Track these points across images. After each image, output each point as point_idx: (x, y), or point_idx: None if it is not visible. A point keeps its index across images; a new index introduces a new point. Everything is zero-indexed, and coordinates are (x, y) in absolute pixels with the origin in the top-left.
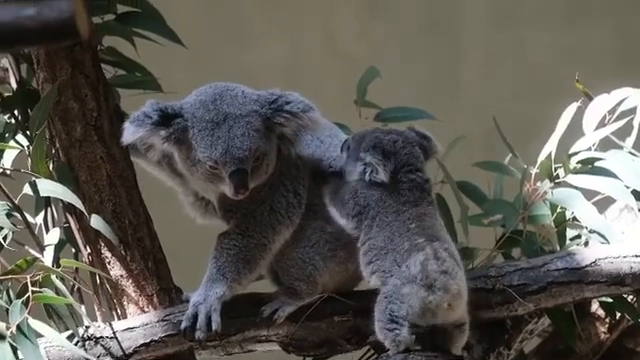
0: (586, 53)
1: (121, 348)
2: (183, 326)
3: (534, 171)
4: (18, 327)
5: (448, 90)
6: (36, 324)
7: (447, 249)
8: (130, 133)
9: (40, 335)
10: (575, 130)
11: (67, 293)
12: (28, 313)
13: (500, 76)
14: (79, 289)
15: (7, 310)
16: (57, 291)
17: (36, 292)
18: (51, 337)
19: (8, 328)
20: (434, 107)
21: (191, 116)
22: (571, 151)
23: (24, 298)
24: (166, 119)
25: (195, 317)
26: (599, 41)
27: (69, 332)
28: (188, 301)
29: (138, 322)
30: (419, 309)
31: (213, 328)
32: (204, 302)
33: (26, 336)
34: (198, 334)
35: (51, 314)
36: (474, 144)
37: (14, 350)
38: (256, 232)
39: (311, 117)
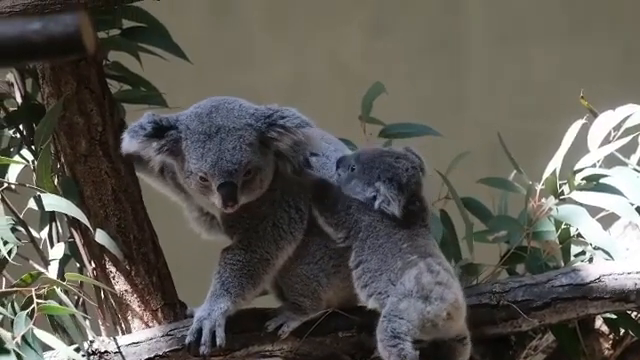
0: (589, 70)
1: None
2: (187, 341)
3: (539, 187)
4: (23, 338)
5: (452, 107)
6: (41, 334)
7: (440, 263)
8: (125, 143)
9: (45, 346)
10: (580, 147)
11: (72, 306)
12: (33, 325)
13: (503, 93)
14: (83, 304)
15: (12, 322)
16: (62, 304)
17: (41, 304)
18: (56, 348)
19: (14, 338)
20: (438, 124)
21: (185, 128)
22: (576, 168)
23: (29, 310)
24: (160, 131)
25: (199, 332)
26: (602, 57)
27: (74, 346)
28: (192, 316)
29: (142, 337)
30: (418, 322)
31: (217, 343)
32: (208, 317)
33: (31, 347)
34: (202, 349)
35: (56, 327)
36: (477, 161)
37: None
38: (259, 247)
39: (306, 133)
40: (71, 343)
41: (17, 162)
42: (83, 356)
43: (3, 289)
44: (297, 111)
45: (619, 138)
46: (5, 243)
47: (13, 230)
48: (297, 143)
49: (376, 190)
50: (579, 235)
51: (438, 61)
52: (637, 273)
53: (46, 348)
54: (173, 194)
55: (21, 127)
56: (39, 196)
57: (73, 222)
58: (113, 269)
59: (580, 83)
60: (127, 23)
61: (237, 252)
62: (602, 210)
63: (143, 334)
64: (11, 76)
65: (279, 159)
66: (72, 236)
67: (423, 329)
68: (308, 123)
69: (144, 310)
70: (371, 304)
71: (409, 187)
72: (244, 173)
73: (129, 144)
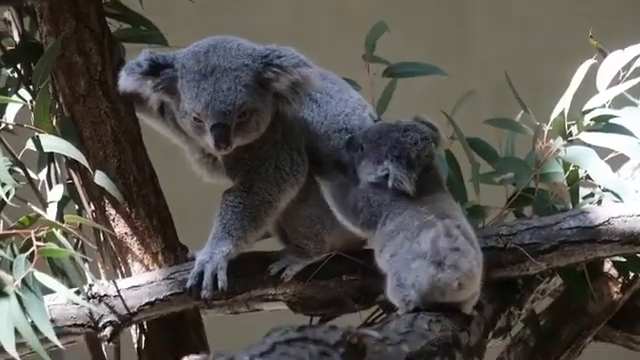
0: (597, 7)
1: (125, 307)
2: (189, 284)
3: (547, 128)
4: (23, 281)
5: (455, 47)
6: (42, 277)
7: (459, 226)
8: (122, 81)
9: (45, 290)
10: (589, 87)
11: (71, 248)
12: (33, 268)
13: (507, 33)
14: (83, 247)
15: (11, 265)
16: (61, 246)
17: (40, 247)
18: (57, 291)
19: (14, 281)
20: (440, 65)
21: (181, 66)
22: (584, 108)
23: (28, 253)
24: (157, 68)
25: (201, 275)
26: None
27: (74, 289)
28: (194, 259)
29: (143, 280)
30: (427, 286)
31: (219, 286)
32: (210, 260)
33: (31, 290)
34: (204, 293)
35: (56, 271)
36: (481, 102)
37: (20, 302)
38: (261, 189)
39: (303, 72)
40: (71, 286)
41: (15, 102)
42: (83, 299)
43: (1, 231)
44: (295, 50)
45: (629, 78)
46: (3, 185)
47: (11, 171)
48: (295, 83)
49: (385, 169)
50: (588, 177)
51: (441, 1)
52: None
53: (46, 292)
54: (174, 136)
55: (19, 66)
56: (37, 137)
57: (72, 163)
58: (113, 211)
59: (589, 21)
60: None
61: (239, 194)
62: (611, 151)
63: (143, 277)
64: (8, 14)
65: (279, 100)
66: (71, 178)
67: (431, 293)
68: (306, 63)
69: (144, 253)
70: (386, 267)
71: (420, 161)
72: (238, 114)
73: (125, 82)
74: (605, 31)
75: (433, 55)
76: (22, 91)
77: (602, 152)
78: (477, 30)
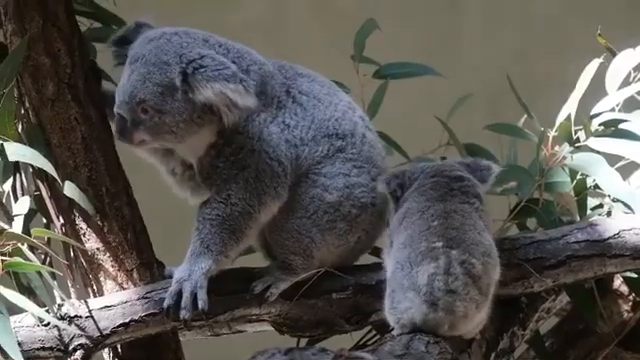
0: (595, 3)
1: (98, 328)
2: (166, 304)
3: (552, 134)
4: None
5: (446, 46)
6: (8, 293)
7: (464, 262)
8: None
9: (11, 305)
10: (596, 89)
11: (39, 264)
12: None
13: (503, 31)
14: (51, 263)
15: None
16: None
17: (6, 261)
18: (24, 309)
19: None
20: (431, 65)
21: (132, 47)
22: (592, 112)
23: None
24: (125, 42)
25: (179, 295)
26: None
27: (43, 309)
28: (171, 277)
29: (116, 300)
30: (419, 321)
31: (199, 306)
32: (189, 278)
33: None
34: (183, 313)
35: (22, 290)
36: (474, 104)
37: None
38: (240, 199)
39: (218, 88)
40: (39, 306)
41: None
42: (53, 318)
43: None
44: (226, 62)
45: None
46: None
47: None
48: (214, 98)
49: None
50: (596, 186)
51: None
52: None
53: (12, 312)
54: (150, 154)
55: None
56: (1, 145)
57: (39, 173)
58: (83, 225)
59: (587, 18)
60: None
61: (216, 206)
62: (621, 158)
63: (117, 297)
64: None
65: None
66: (38, 189)
67: (423, 327)
68: (230, 77)
69: (118, 270)
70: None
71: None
72: (140, 110)
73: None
74: (606, 28)
75: (423, 55)
76: None
77: (611, 159)
78: (470, 28)
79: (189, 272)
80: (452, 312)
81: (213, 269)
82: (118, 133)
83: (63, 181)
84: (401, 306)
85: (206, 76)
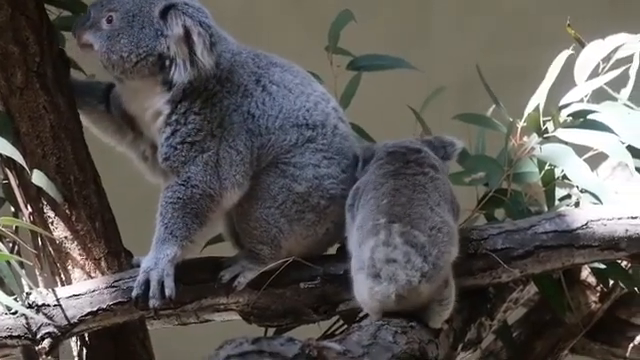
0: None
1: (65, 317)
2: (134, 294)
3: (520, 124)
4: None
5: (418, 39)
6: None
7: (405, 233)
8: None
9: None
10: (565, 80)
11: (7, 252)
12: None
13: (474, 23)
14: (19, 252)
15: None
16: None
17: None
18: None
19: None
20: (403, 57)
21: None
22: (561, 103)
23: None
24: None
25: (147, 284)
26: None
27: (11, 297)
28: (139, 266)
29: (84, 288)
30: (367, 299)
31: (167, 294)
32: (155, 267)
33: None
34: (152, 302)
35: None
36: (446, 97)
37: None
38: (199, 182)
39: (190, 25)
40: (8, 294)
41: None
42: (21, 307)
43: None
44: (208, 14)
45: (609, 70)
46: None
47: None
48: (184, 37)
49: None
50: (564, 177)
51: None
52: (628, 218)
53: None
54: (117, 137)
55: None
56: None
57: (7, 162)
58: (51, 213)
59: (558, 11)
60: None
61: (177, 189)
62: (590, 149)
63: (84, 285)
64: None
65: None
66: (6, 177)
67: (373, 306)
68: (204, 24)
69: (86, 259)
70: None
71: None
72: (106, 18)
73: None
74: (577, 20)
75: (394, 47)
76: None
77: (580, 150)
78: (441, 20)
79: (155, 260)
80: (395, 281)
81: (179, 255)
82: (75, 26)
83: (31, 169)
84: (355, 292)
85: (185, 11)
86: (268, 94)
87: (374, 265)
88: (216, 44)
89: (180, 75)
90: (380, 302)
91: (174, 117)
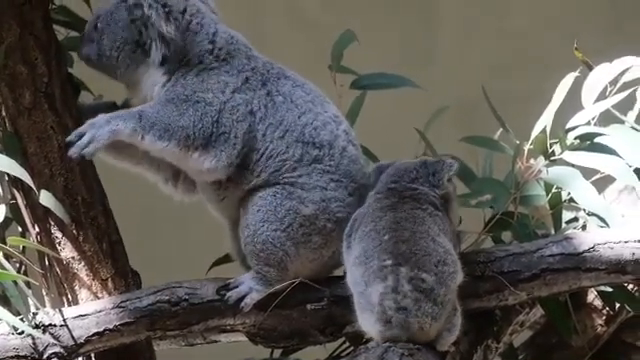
0: (572, 18)
1: (72, 337)
2: (68, 139)
3: (527, 147)
4: None
5: (420, 60)
6: None
7: (413, 279)
8: None
9: None
10: (572, 102)
11: (14, 272)
12: None
13: (478, 44)
14: (26, 272)
15: None
16: (4, 270)
17: None
18: (1, 317)
19: None
20: (405, 76)
21: None
22: (568, 126)
23: None
24: None
25: (82, 136)
26: (586, 3)
27: (18, 317)
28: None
29: (91, 309)
30: (376, 337)
31: (85, 151)
32: (98, 128)
33: None
34: (72, 151)
35: None
36: (448, 119)
37: None
38: (180, 128)
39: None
40: (15, 314)
41: None
42: (28, 327)
43: None
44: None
45: (616, 93)
46: None
47: None
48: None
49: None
50: (571, 200)
51: (405, 10)
52: (635, 242)
53: None
54: (132, 161)
55: None
56: None
57: (15, 182)
58: (59, 234)
59: (563, 33)
60: None
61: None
62: (597, 172)
63: (91, 306)
64: None
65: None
66: (14, 197)
67: (382, 341)
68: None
69: (93, 279)
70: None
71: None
72: (94, 27)
73: None
74: (582, 42)
75: (397, 67)
76: None
77: (587, 173)
78: (445, 41)
79: (106, 121)
80: (407, 328)
81: (123, 134)
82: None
83: (39, 190)
84: (362, 324)
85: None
86: (272, 101)
87: (384, 312)
88: (172, 12)
89: (156, 52)
90: (390, 341)
91: (170, 82)
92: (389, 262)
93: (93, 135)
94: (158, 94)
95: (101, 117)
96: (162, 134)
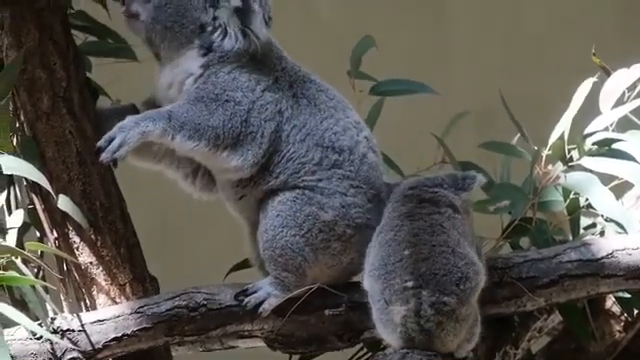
0: (587, 20)
1: (90, 342)
2: (98, 144)
3: (545, 153)
4: None
5: (435, 64)
6: (0, 306)
7: (435, 303)
8: None
9: (4, 319)
10: (589, 108)
11: (32, 277)
12: None
13: (492, 48)
14: (44, 277)
15: None
16: (22, 274)
17: None
18: (18, 323)
19: None
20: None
21: None
22: (586, 131)
23: None
24: None
25: (112, 140)
26: (601, 6)
27: (36, 322)
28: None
29: (109, 314)
30: (397, 347)
31: (117, 154)
32: (127, 130)
33: None
34: (103, 156)
35: (15, 303)
36: (464, 124)
37: None
38: (221, 121)
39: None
40: (33, 319)
41: None
42: (46, 332)
43: None
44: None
45: (634, 99)
46: None
47: None
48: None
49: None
50: (589, 206)
51: (420, 12)
52: None
53: (5, 325)
54: (152, 160)
55: None
56: None
57: (33, 186)
58: (77, 239)
59: (577, 36)
60: None
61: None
62: (615, 178)
63: (109, 311)
64: None
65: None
66: (32, 202)
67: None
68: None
69: (111, 284)
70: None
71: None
72: None
73: None
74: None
75: (412, 71)
76: None
77: (605, 179)
78: (459, 45)
79: (135, 123)
80: (431, 347)
81: (152, 135)
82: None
83: (57, 194)
84: (384, 335)
85: None
86: (297, 103)
87: (407, 333)
88: (272, 19)
89: (231, 43)
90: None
91: (202, 79)
92: (410, 284)
93: (123, 138)
94: (188, 89)
95: (129, 119)
96: (192, 134)
